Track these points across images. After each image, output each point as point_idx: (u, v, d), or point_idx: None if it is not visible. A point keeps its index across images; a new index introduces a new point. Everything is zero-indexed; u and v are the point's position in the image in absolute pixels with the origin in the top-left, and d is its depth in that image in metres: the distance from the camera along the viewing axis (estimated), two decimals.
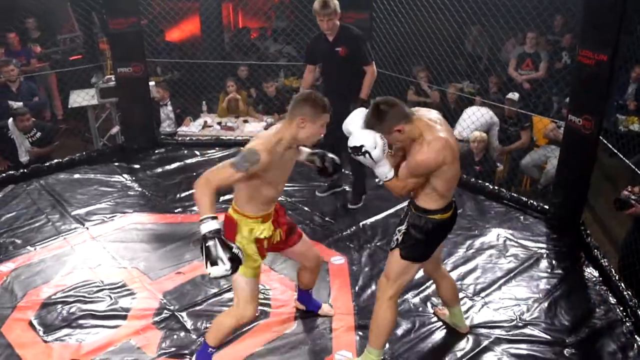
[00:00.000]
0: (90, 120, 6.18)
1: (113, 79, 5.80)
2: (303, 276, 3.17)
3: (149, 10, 6.66)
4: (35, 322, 3.29)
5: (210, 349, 2.83)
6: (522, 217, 4.46)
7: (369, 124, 2.51)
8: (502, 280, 3.64)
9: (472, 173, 5.36)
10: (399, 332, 3.19)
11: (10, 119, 5.49)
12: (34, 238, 4.18)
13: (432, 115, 2.63)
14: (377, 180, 3.02)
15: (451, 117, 6.63)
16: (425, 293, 3.52)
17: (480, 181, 5.00)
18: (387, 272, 2.79)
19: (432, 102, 6.86)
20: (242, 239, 2.66)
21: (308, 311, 3.32)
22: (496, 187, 4.88)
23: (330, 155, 3.00)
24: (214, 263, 2.35)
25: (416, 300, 3.46)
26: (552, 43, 7.24)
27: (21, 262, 3.90)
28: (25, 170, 5.16)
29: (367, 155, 2.48)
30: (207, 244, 2.37)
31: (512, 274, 3.71)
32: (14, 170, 5.23)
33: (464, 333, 3.19)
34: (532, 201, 4.61)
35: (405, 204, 2.93)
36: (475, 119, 5.69)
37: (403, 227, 2.74)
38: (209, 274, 2.38)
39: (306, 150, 2.94)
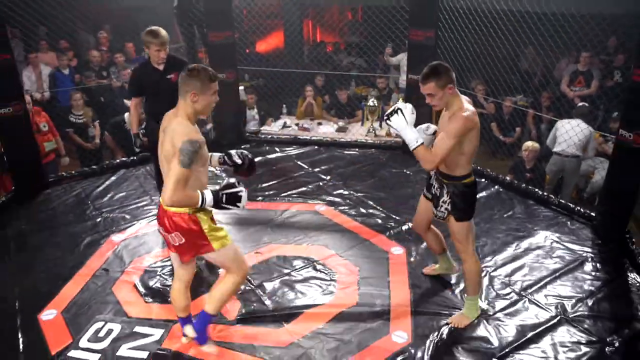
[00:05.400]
0: None
1: None
2: None
3: (241, 25, 6.79)
4: (138, 285, 3.44)
5: (210, 318, 2.81)
6: (569, 223, 4.22)
7: (427, 76, 2.62)
8: (547, 279, 3.46)
9: (523, 179, 5.13)
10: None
11: (127, 114, 5.74)
12: (140, 215, 4.37)
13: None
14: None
15: (505, 127, 6.41)
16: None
17: (530, 187, 4.77)
18: (456, 238, 2.95)
19: (487, 112, 6.65)
20: (208, 227, 2.53)
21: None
22: (545, 194, 4.64)
23: (239, 151, 2.93)
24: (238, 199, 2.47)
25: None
26: (605, 62, 6.82)
27: (129, 234, 4.08)
28: (135, 158, 5.37)
29: (399, 112, 2.64)
30: (223, 203, 2.44)
31: (557, 274, 3.52)
32: (126, 158, 5.48)
33: (457, 271, 3.41)
34: (579, 208, 4.36)
35: None
36: (579, 131, 5.07)
37: (446, 198, 2.86)
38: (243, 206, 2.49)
39: (215, 155, 2.85)
